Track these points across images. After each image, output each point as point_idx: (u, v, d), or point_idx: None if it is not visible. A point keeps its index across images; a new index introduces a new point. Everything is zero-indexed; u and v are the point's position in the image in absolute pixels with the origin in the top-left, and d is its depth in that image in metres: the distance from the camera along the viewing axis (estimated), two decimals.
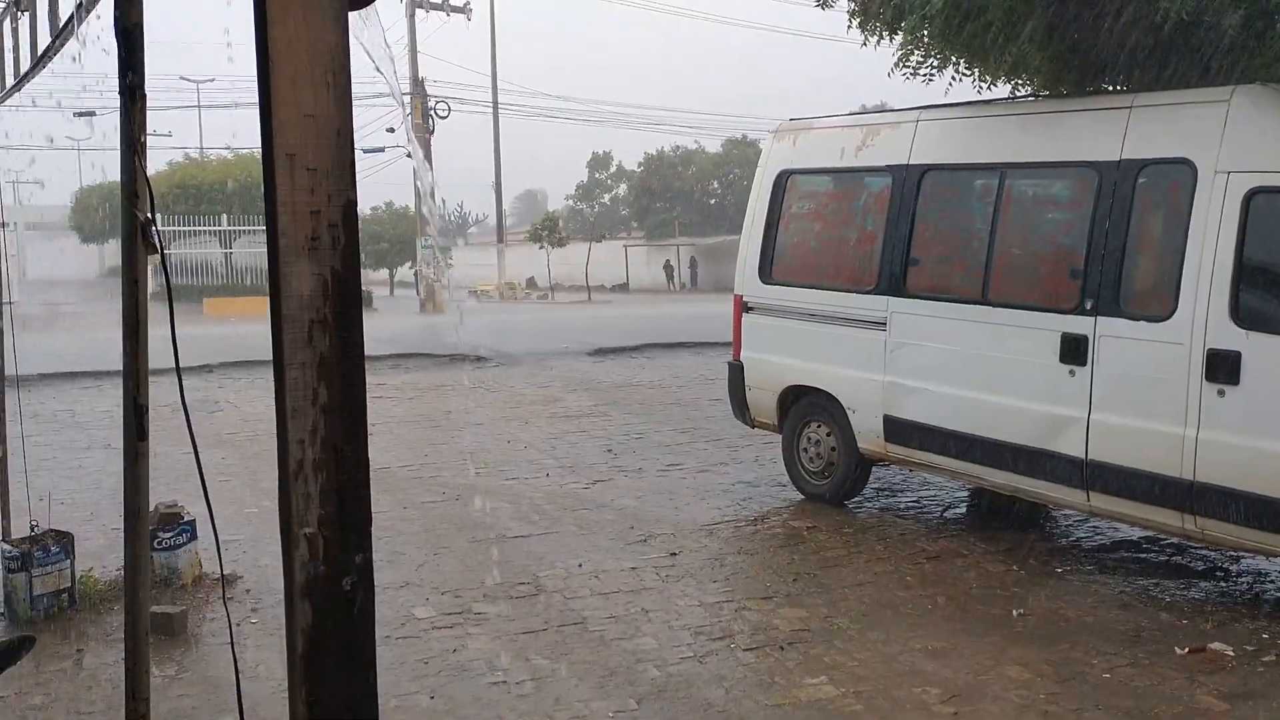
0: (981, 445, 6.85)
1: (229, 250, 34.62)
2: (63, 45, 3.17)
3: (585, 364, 16.98)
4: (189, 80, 44.69)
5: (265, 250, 1.39)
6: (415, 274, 38.43)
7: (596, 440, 10.64)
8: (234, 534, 6.90)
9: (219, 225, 34.41)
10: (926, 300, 7.25)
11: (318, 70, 1.40)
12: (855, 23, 9.41)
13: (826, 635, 5.55)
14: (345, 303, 1.42)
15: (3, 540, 5.88)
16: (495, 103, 39.71)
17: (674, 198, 57.58)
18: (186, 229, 33.43)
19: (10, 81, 4.46)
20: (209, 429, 10.78)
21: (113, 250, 45.56)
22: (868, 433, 7.63)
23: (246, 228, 34.07)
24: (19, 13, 3.94)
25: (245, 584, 6.23)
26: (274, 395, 1.40)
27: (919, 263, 7.42)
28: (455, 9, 33.85)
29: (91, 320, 20.16)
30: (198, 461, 2.37)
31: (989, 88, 8.50)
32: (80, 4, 2.73)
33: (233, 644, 3.08)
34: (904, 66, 7.90)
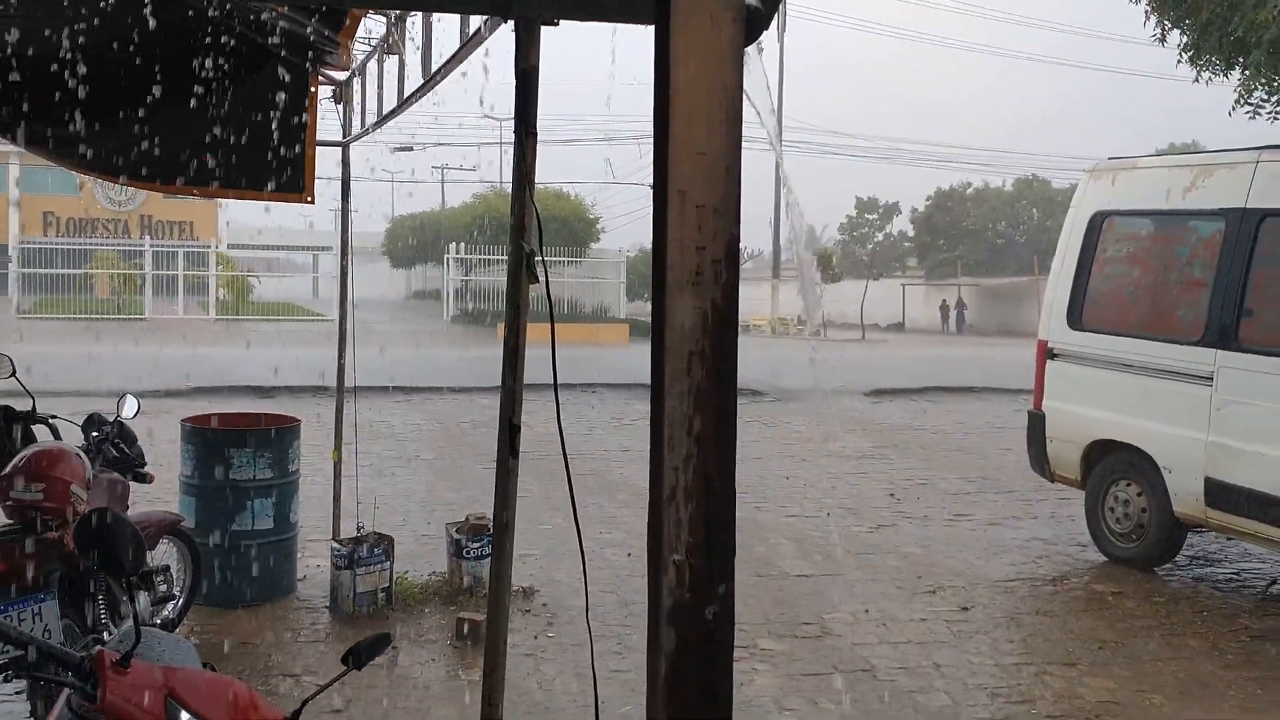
0: None
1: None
2: (433, 88, 3.43)
3: (863, 404, 16.67)
4: (493, 118, 47.59)
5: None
6: None
7: (878, 483, 10.40)
8: (530, 548, 7.20)
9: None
10: (1263, 355, 6.64)
11: (713, 109, 1.43)
12: (1186, 58, 8.84)
13: (1138, 711, 5.15)
14: (723, 337, 1.44)
15: (333, 539, 6.42)
16: (779, 140, 40.05)
17: (959, 236, 55.68)
18: (488, 257, 35.45)
19: (370, 120, 4.89)
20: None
21: (419, 275, 49.21)
22: (1185, 495, 7.05)
23: (537, 258, 35.78)
24: (386, 55, 4.32)
25: (541, 598, 6.48)
26: (650, 423, 1.44)
27: (1254, 314, 6.81)
28: None
29: (399, 338, 21.72)
30: (569, 480, 2.48)
31: None
32: (458, 50, 2.95)
33: (592, 662, 3.19)
34: (1244, 104, 7.32)
